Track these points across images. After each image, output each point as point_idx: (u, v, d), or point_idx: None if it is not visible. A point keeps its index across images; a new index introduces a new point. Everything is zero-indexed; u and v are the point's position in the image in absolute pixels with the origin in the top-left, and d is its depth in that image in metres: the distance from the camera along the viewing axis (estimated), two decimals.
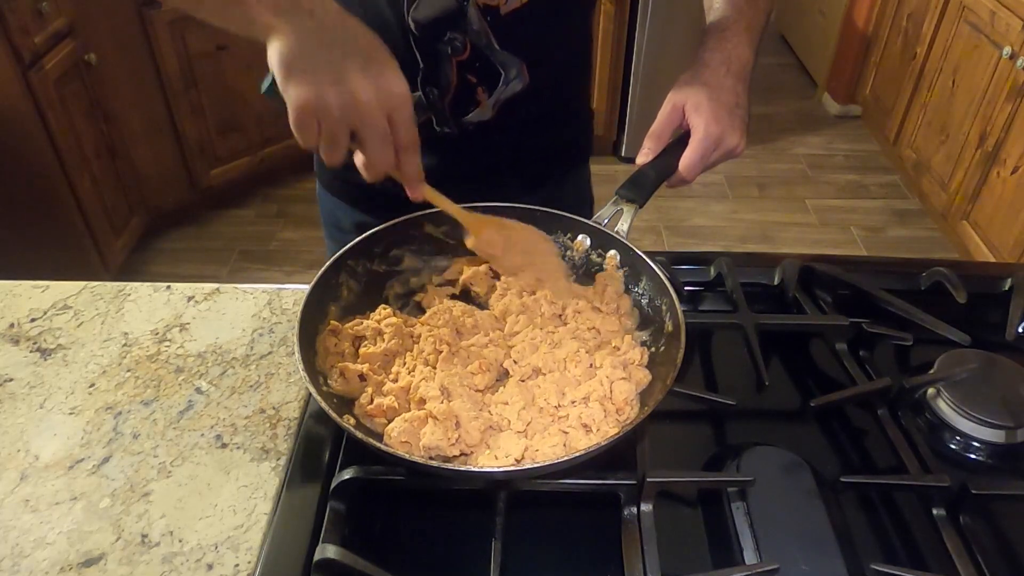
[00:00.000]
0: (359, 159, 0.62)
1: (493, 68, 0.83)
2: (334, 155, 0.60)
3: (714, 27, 0.83)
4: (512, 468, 0.60)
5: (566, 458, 0.57)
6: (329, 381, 0.66)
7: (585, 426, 0.63)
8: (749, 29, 0.82)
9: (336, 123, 0.58)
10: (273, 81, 0.59)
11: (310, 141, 0.59)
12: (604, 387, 0.66)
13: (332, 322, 0.71)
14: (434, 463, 0.59)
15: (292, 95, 0.57)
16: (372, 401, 0.65)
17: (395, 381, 0.67)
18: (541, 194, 0.85)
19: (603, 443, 0.58)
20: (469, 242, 0.76)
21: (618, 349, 0.70)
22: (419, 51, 0.81)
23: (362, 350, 0.70)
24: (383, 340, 0.70)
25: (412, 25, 0.78)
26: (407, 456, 0.58)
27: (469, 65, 0.82)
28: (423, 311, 0.76)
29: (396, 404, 0.65)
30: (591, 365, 0.69)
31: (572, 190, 1.05)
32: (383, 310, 0.73)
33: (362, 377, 0.67)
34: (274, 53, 0.57)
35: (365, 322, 0.72)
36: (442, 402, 0.63)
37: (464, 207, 0.75)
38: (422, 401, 0.64)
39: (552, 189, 0.97)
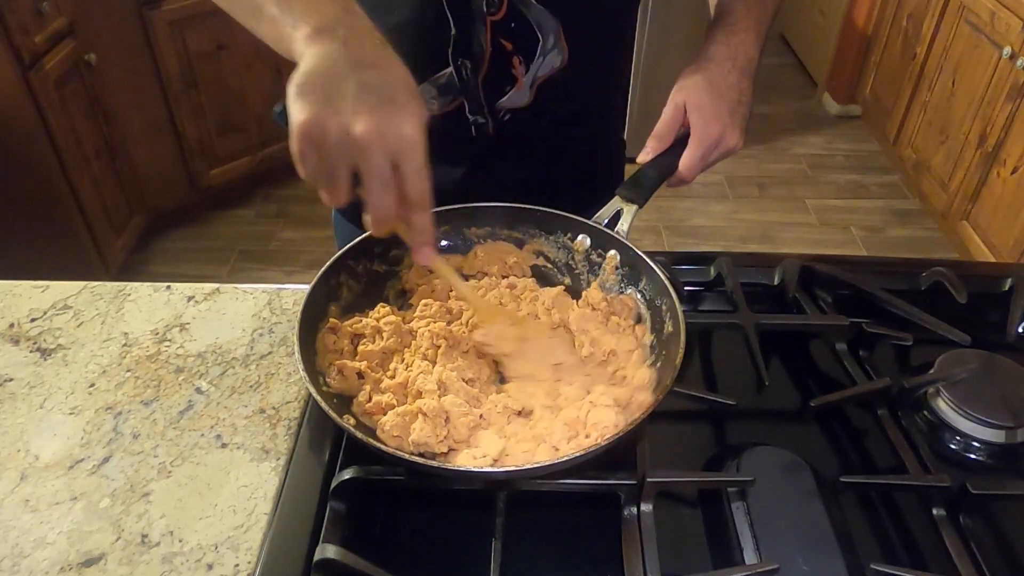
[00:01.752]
0: (364, 209, 0.56)
1: (530, 31, 0.79)
2: (332, 194, 0.54)
3: (722, 21, 0.83)
4: (512, 468, 0.60)
5: (568, 458, 0.57)
6: (327, 379, 0.66)
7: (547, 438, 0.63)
8: (757, 26, 0.82)
9: (333, 156, 0.52)
10: (286, 106, 0.55)
11: (308, 172, 0.54)
12: (581, 411, 0.64)
13: (331, 320, 0.71)
14: (434, 464, 0.59)
15: (294, 117, 0.52)
16: (371, 399, 0.66)
17: (392, 378, 0.67)
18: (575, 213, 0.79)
19: (602, 443, 0.58)
20: (477, 334, 0.70)
21: (625, 379, 0.68)
22: (451, 10, 0.77)
23: (360, 347, 0.70)
24: (382, 338, 0.70)
25: None
26: (407, 456, 0.58)
27: (504, 27, 0.78)
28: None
29: (394, 401, 0.65)
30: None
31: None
32: (382, 308, 0.73)
33: (360, 375, 0.68)
34: (294, 74, 0.53)
35: (364, 320, 0.72)
36: (435, 397, 0.63)
37: (464, 280, 0.72)
38: (419, 394, 0.64)
39: (587, 208, 0.83)
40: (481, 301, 0.72)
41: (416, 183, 0.55)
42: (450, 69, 0.81)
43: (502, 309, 0.72)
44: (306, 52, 0.54)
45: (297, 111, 0.52)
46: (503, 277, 0.80)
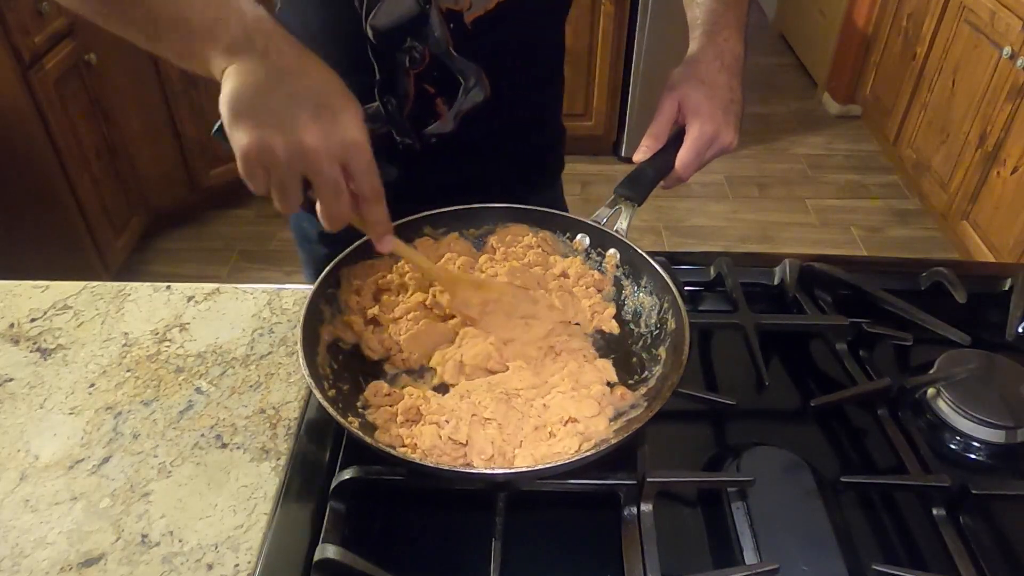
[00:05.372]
0: (318, 208, 0.58)
1: (451, 77, 0.81)
2: (286, 204, 0.56)
3: (702, 21, 0.83)
4: (513, 470, 0.60)
5: (573, 459, 0.57)
6: (340, 345, 0.69)
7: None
8: (738, 22, 0.82)
9: (284, 172, 0.54)
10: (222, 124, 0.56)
11: (260, 189, 0.55)
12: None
13: (355, 281, 0.72)
14: (439, 464, 0.59)
15: (237, 141, 0.53)
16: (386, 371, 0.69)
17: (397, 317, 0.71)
18: None
19: (608, 445, 0.58)
20: (445, 300, 0.73)
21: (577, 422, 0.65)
22: (376, 60, 0.79)
23: (384, 298, 0.72)
24: (406, 293, 0.73)
25: (370, 33, 0.76)
26: (408, 457, 0.58)
27: (426, 75, 0.80)
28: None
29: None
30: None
31: (542, 205, 0.96)
32: (405, 265, 0.75)
33: (376, 323, 0.70)
34: (223, 95, 0.54)
35: (388, 276, 0.74)
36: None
37: (442, 266, 0.74)
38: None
39: (525, 199, 0.85)
40: (445, 273, 0.73)
41: (367, 180, 0.57)
42: (377, 103, 0.82)
43: (464, 276, 0.74)
44: (228, 69, 0.54)
45: (239, 135, 0.53)
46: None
